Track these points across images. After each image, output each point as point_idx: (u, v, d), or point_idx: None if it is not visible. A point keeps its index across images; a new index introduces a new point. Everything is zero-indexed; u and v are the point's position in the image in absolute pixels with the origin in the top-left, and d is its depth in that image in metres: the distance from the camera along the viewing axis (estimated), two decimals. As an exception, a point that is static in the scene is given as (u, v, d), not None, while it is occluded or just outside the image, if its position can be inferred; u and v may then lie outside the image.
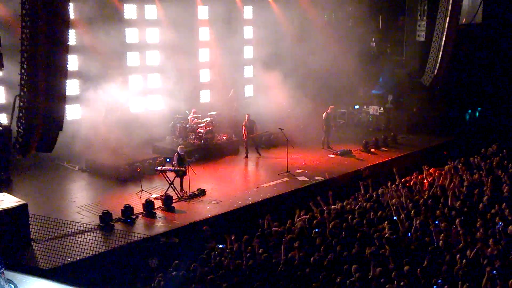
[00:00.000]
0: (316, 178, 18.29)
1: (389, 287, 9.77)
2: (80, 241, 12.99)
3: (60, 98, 12.80)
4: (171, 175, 16.50)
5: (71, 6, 13.63)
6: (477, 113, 26.63)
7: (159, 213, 15.19)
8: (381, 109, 25.56)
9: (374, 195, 15.61)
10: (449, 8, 22.64)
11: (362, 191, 16.09)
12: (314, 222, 13.63)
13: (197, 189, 16.57)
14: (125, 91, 20.76)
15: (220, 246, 12.71)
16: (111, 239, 13.44)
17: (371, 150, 21.76)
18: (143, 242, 13.41)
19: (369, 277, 10.39)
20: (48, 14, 12.04)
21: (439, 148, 22.52)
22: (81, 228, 13.77)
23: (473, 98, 26.27)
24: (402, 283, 9.92)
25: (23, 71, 12.21)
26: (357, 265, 10.70)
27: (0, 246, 11.99)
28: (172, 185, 16.33)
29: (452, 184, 15.83)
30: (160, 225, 14.53)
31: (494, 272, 10.29)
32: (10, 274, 4.36)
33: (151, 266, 12.01)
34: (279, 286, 10.33)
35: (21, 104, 12.31)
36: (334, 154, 21.17)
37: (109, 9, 20.59)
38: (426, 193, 15.60)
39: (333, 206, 14.79)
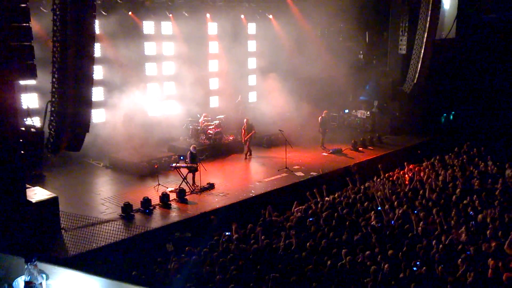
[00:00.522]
0: (311, 173, 18.19)
1: (374, 268, 9.67)
2: (104, 229, 12.92)
3: (87, 104, 12.70)
4: (184, 171, 16.42)
5: (96, 23, 13.54)
6: (451, 116, 26.62)
7: (173, 204, 15.10)
8: (368, 113, 25.49)
9: (362, 188, 15.55)
10: (427, 25, 22.54)
11: (351, 185, 16.00)
12: (310, 212, 13.55)
13: (207, 183, 16.49)
14: (144, 97, 20.72)
15: (227, 233, 12.61)
16: (132, 227, 13.36)
17: (359, 149, 21.67)
18: (160, 230, 13.34)
19: (357, 260, 10.29)
20: (76, 30, 11.95)
21: (418, 147, 22.45)
22: (105, 218, 13.73)
23: (448, 103, 26.29)
24: (386, 266, 9.83)
25: (54, 80, 12.11)
26: (347, 250, 10.63)
27: (35, 234, 11.91)
28: (185, 180, 16.24)
29: (429, 178, 15.80)
30: (174, 215, 14.43)
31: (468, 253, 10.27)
32: (42, 265, 4.26)
33: (168, 250, 11.87)
34: (279, 268, 10.22)
35: (52, 109, 12.21)
36: (327, 153, 21.10)
37: (130, 25, 20.53)
38: (407, 186, 15.54)
39: (326, 198, 14.73)
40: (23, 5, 11.25)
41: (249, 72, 26.19)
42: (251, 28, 25.64)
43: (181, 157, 16.74)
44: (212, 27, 23.82)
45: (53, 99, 12.19)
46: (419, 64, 23.17)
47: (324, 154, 20.99)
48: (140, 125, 19.51)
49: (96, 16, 12.54)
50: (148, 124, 20.43)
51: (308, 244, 11.20)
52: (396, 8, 24.70)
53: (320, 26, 26.75)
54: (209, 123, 20.99)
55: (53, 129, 12.24)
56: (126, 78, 20.00)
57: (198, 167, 16.48)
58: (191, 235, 13.39)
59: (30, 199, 12.23)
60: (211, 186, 16.46)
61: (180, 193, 15.48)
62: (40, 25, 15.87)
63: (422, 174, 16.75)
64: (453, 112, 26.57)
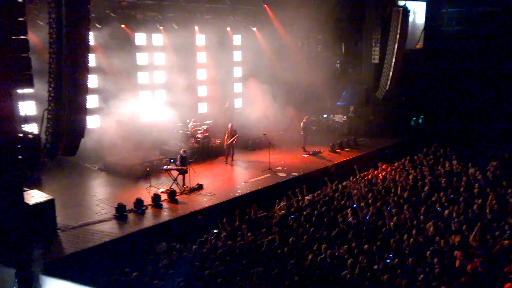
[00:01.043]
0: (293, 174, 18.16)
1: (352, 261, 9.66)
2: (99, 228, 12.76)
3: (82, 111, 12.47)
4: (175, 173, 16.28)
5: (91, 35, 13.35)
6: (420, 120, 26.82)
7: (165, 205, 14.94)
8: (345, 117, 25.54)
9: (339, 187, 15.56)
10: (397, 37, 22.82)
11: (329, 184, 16.00)
12: (292, 209, 13.53)
13: (196, 184, 16.35)
14: (136, 104, 20.55)
15: (215, 230, 12.52)
16: (125, 226, 13.19)
17: (337, 150, 21.69)
18: (151, 229, 13.19)
19: (336, 254, 10.28)
20: (72, 42, 11.75)
21: (390, 148, 22.54)
22: (100, 218, 13.53)
23: (417, 108, 26.49)
24: (361, 258, 9.84)
25: (50, 89, 11.90)
26: (326, 245, 10.61)
27: (32, 234, 11.69)
28: (175, 181, 16.09)
29: (401, 177, 15.89)
30: (165, 214, 14.26)
31: (436, 246, 10.32)
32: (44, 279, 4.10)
33: (158, 251, 11.65)
34: (263, 262, 10.17)
35: (49, 116, 11.98)
36: (307, 154, 21.09)
37: (123, 37, 20.34)
38: (380, 185, 15.57)
39: (306, 197, 14.71)
40: (20, 18, 11.05)
41: (235, 80, 26.12)
42: (237, 39, 25.60)
43: (172, 160, 16.59)
44: (200, 39, 23.72)
45: (50, 107, 11.96)
46: (391, 72, 23.40)
47: (305, 155, 20.98)
48: (133, 130, 19.35)
49: (90, 29, 12.34)
50: (140, 129, 20.26)
51: (290, 239, 11.17)
52: (369, 21, 24.89)
53: (300, 38, 26.81)
54: (198, 127, 20.87)
55: (49, 135, 12.02)
56: (119, 86, 19.78)
57: (188, 169, 16.36)
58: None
59: (27, 202, 11.98)
60: (200, 187, 16.32)
61: (171, 193, 15.33)
62: (37, 37, 15.66)
63: (393, 173, 16.83)
64: (422, 116, 26.80)
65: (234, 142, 19.69)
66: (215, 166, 19.45)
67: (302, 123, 21.57)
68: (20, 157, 11.39)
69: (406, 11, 22.73)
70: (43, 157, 12.86)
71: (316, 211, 12.92)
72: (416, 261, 9.69)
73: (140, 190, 16.09)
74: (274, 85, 24.19)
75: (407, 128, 25.73)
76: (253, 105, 23.58)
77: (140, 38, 21.27)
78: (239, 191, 16.24)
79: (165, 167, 16.79)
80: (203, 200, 15.34)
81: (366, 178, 16.82)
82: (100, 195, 15.79)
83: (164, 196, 15.29)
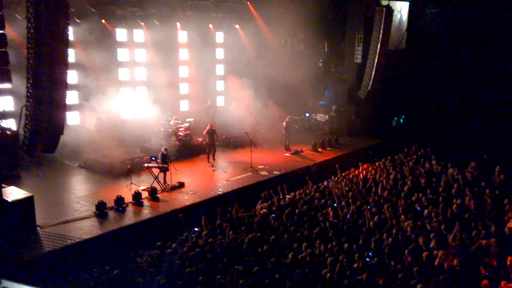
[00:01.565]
0: (275, 172, 18.30)
1: (332, 259, 9.79)
2: (79, 226, 12.70)
3: (61, 107, 12.39)
4: (156, 171, 16.25)
5: (70, 30, 13.27)
6: (401, 120, 27.11)
7: (146, 202, 14.93)
8: (326, 116, 25.76)
9: (321, 186, 15.70)
10: (380, 37, 23.03)
11: (310, 183, 16.14)
12: (273, 208, 13.62)
13: (177, 182, 16.37)
14: (117, 101, 20.43)
15: (196, 229, 12.57)
16: (106, 224, 13.16)
17: (318, 149, 21.86)
18: (132, 226, 13.18)
19: (316, 252, 10.42)
20: (50, 36, 11.65)
21: (371, 148, 22.82)
22: (80, 215, 13.47)
23: (398, 108, 26.79)
24: (341, 257, 9.99)
25: (29, 85, 11.80)
26: (306, 243, 10.73)
27: (11, 232, 11.60)
28: (156, 179, 16.09)
29: (381, 177, 16.06)
30: (146, 212, 14.27)
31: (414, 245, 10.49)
32: (7, 284, 4.10)
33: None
34: (244, 261, 10.26)
35: (27, 112, 11.89)
36: (289, 153, 21.23)
37: (103, 32, 20.24)
38: (361, 184, 15.74)
39: (287, 196, 14.82)
40: (-2, 12, 10.97)
41: (217, 77, 26.17)
42: (219, 36, 25.63)
43: (153, 158, 16.58)
44: (182, 35, 23.70)
45: (28, 103, 11.87)
46: (373, 72, 23.65)
47: (286, 154, 21.13)
48: (114, 127, 19.23)
49: (69, 24, 12.25)
50: (121, 126, 20.15)
51: (271, 238, 11.29)
52: (352, 21, 25.10)
53: (283, 36, 26.99)
54: (179, 125, 20.87)
55: (28, 132, 11.93)
56: (100, 82, 19.68)
57: (169, 167, 16.37)
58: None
59: (6, 199, 11.89)
60: (181, 185, 16.35)
61: (152, 191, 15.33)
62: (15, 31, 15.47)
63: (374, 173, 17.04)
64: (403, 116, 27.08)
65: (217, 142, 19.70)
66: (196, 164, 19.47)
67: (284, 123, 21.70)
68: (-3, 153, 11.30)
69: (389, 11, 22.97)
70: (22, 154, 12.74)
71: (297, 210, 13.03)
72: (395, 259, 9.87)
73: (121, 187, 16.04)
74: (257, 84, 24.30)
75: (388, 128, 25.99)
76: (235, 103, 23.64)
77: (121, 33, 21.17)
78: (220, 189, 16.32)
79: (146, 164, 16.78)
80: (184, 198, 15.38)
81: (347, 177, 16.97)
82: (80, 192, 15.70)
83: (145, 194, 15.28)
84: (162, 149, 16.72)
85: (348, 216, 12.70)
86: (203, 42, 24.12)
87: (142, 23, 21.39)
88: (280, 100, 24.85)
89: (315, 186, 15.86)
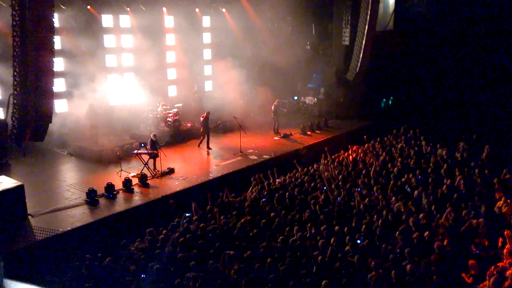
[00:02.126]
0: (264, 156, 18.33)
1: (323, 242, 9.89)
2: (70, 214, 12.67)
3: (49, 95, 12.27)
4: (145, 157, 16.22)
5: (56, 16, 13.07)
6: (390, 102, 27.18)
7: (136, 189, 14.91)
8: (315, 99, 25.77)
9: (310, 170, 15.75)
10: (368, 18, 22.93)
11: (300, 167, 16.17)
12: (264, 192, 13.67)
13: (167, 168, 16.36)
14: (105, 88, 20.24)
15: (187, 214, 12.61)
16: (96, 211, 13.13)
17: (308, 132, 21.90)
18: (123, 213, 13.17)
19: (307, 235, 10.50)
20: (35, 24, 11.49)
21: (360, 130, 22.77)
22: (71, 203, 13.43)
23: (387, 89, 26.78)
24: (332, 240, 10.09)
25: (15, 73, 11.66)
26: (297, 227, 10.81)
27: (2, 221, 11.55)
28: (146, 165, 16.06)
29: (370, 159, 16.13)
30: (137, 199, 14.26)
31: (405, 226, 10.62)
32: (7, 283, 4.10)
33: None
34: (235, 245, 10.34)
35: (15, 101, 11.77)
36: (278, 137, 21.26)
37: (89, 18, 19.95)
38: (350, 166, 15.80)
39: (277, 180, 14.86)
40: (-19, 0, 10.75)
41: (205, 62, 25.98)
42: (206, 21, 25.39)
43: (142, 144, 16.51)
44: (169, 20, 23.44)
45: (15, 92, 11.73)
46: (361, 54, 23.62)
47: (276, 138, 21.16)
48: (103, 114, 19.08)
49: (54, 10, 12.05)
50: (110, 113, 20.00)
51: (262, 222, 11.36)
52: (339, 2, 24.98)
53: (270, 19, 26.80)
54: (168, 111, 20.76)
55: (16, 120, 11.82)
56: (87, 69, 19.43)
57: (159, 153, 16.33)
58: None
59: (-4, 188, 11.81)
60: (171, 171, 16.34)
61: (142, 178, 15.30)
62: (0, 20, 15.16)
63: (363, 155, 17.12)
64: (391, 97, 27.15)
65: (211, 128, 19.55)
66: (186, 150, 19.44)
67: (273, 106, 21.66)
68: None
69: (376, -8, 22.87)
70: (10, 143, 12.62)
71: (287, 194, 13.07)
72: (386, 241, 9.98)
73: (111, 174, 15.99)
74: (244, 68, 24.15)
75: (377, 109, 26.05)
76: (223, 88, 23.54)
77: (107, 19, 20.87)
78: (210, 174, 16.33)
79: (135, 151, 16.72)
80: (175, 184, 15.38)
81: (336, 160, 17.03)
82: (70, 180, 15.61)
83: (135, 181, 15.26)
84: (151, 136, 16.64)
85: (338, 199, 12.77)
86: (190, 26, 23.87)
87: (128, 9, 21.10)
88: (269, 83, 24.80)
89: (305, 169, 15.88)
